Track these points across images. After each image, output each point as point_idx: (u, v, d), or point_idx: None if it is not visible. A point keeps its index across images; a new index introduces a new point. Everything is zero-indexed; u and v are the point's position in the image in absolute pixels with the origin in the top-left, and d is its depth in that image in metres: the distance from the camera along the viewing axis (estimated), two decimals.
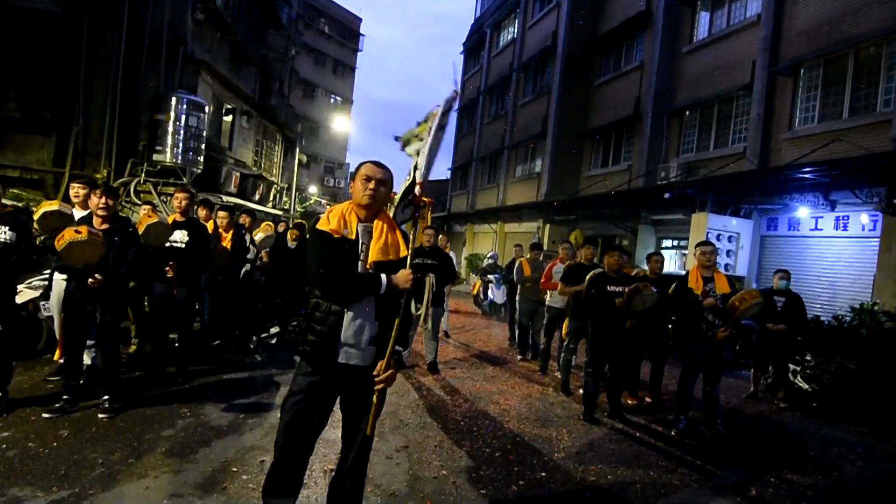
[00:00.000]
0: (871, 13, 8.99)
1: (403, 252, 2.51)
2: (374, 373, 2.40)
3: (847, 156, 8.13)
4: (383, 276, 2.38)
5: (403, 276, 2.39)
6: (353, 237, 2.45)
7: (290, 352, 6.29)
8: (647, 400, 6.17)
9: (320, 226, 2.45)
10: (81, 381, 4.42)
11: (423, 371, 6.63)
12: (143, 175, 10.03)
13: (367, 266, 2.43)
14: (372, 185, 2.47)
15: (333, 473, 2.64)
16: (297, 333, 2.61)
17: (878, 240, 8.27)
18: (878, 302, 7.44)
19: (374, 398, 2.45)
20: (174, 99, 10.30)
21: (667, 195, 10.56)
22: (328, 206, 2.86)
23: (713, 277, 5.14)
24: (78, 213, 4.60)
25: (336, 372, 2.43)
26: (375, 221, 2.51)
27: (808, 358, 6.79)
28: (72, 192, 4.84)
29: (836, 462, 4.76)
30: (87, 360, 4.63)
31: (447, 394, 5.81)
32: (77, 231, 3.73)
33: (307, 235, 2.61)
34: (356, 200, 2.51)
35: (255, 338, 6.79)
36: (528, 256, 8.20)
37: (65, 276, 4.16)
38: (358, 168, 2.57)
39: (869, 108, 9.02)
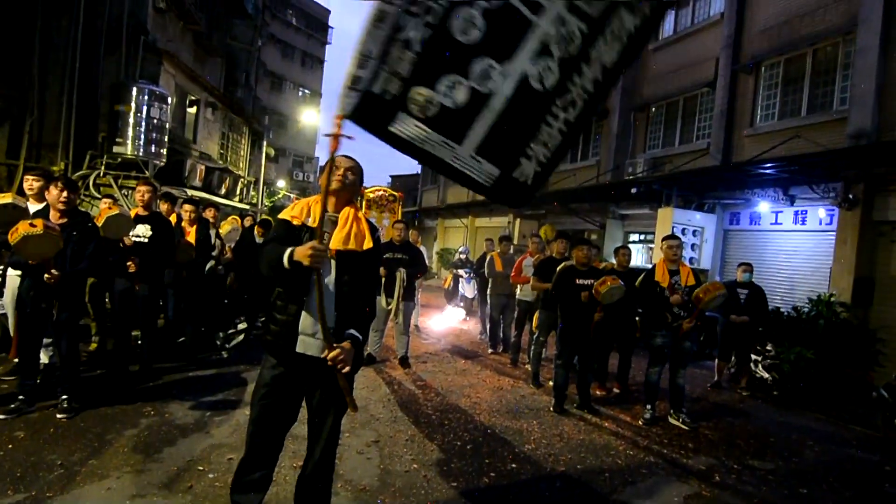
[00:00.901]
0: (828, 13, 9.27)
1: (368, 244, 2.45)
2: (323, 355, 2.30)
3: (805, 152, 8.39)
4: (288, 248, 2.24)
5: (302, 251, 2.18)
6: (315, 225, 2.37)
7: (257, 348, 6.18)
8: (616, 391, 6.29)
9: (283, 214, 2.47)
10: (38, 381, 4.25)
11: (394, 365, 6.61)
12: (102, 168, 9.69)
13: (329, 255, 2.37)
14: (340, 171, 2.44)
15: (300, 470, 2.60)
16: (262, 326, 2.47)
17: (834, 233, 8.57)
18: (835, 293, 7.73)
19: (339, 380, 2.36)
20: (135, 89, 9.97)
21: (633, 190, 10.72)
22: (296, 200, 2.71)
23: (679, 270, 5.25)
24: (33, 207, 4.41)
25: (297, 363, 2.39)
26: (343, 210, 2.48)
27: (769, 348, 7.01)
28: (26, 185, 4.64)
29: (796, 448, 4.93)
30: (44, 358, 4.46)
31: (418, 388, 5.80)
32: (32, 224, 3.56)
33: None
34: (325, 186, 2.37)
35: (221, 334, 6.66)
36: (498, 250, 8.24)
37: (19, 272, 3.99)
38: (327, 162, 2.49)
39: (826, 105, 9.32)
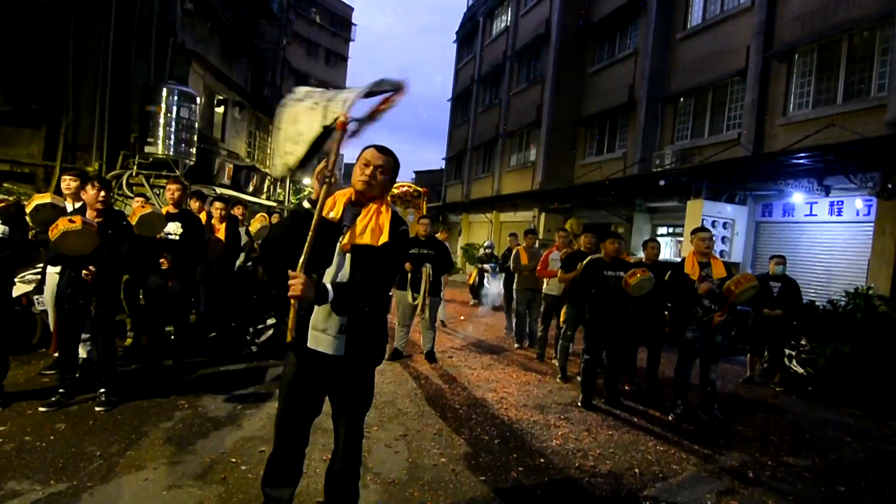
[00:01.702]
0: None
1: (384, 239, 2.32)
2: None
3: (841, 141, 8.14)
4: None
5: (297, 284, 2.10)
6: (338, 219, 2.32)
7: (286, 343, 6.27)
8: (644, 386, 6.20)
9: (307, 204, 2.32)
10: (77, 375, 4.39)
11: (421, 360, 6.64)
12: (135, 167, 9.92)
13: (343, 247, 2.30)
14: (369, 170, 2.33)
15: (329, 463, 2.63)
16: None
17: (872, 224, 8.30)
18: (873, 286, 7.48)
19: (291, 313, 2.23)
20: (165, 90, 10.17)
21: (661, 183, 10.54)
22: None
23: (710, 263, 5.15)
24: (70, 207, 4.55)
25: (312, 359, 2.35)
26: (369, 205, 2.38)
27: (803, 342, 6.83)
28: (63, 185, 4.79)
29: (832, 444, 4.80)
30: (82, 353, 4.60)
31: (445, 382, 5.81)
32: (71, 220, 3.69)
33: None
34: (353, 183, 2.39)
35: (251, 329, 6.77)
36: (524, 244, 8.20)
37: (58, 270, 4.12)
38: (361, 152, 2.43)
39: (863, 92, 9.02)
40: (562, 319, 6.58)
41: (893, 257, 7.82)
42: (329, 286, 2.17)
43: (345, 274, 2.29)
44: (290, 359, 2.46)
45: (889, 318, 6.98)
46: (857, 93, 9.11)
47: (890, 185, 7.82)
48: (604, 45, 16.65)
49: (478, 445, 4.08)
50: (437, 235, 10.22)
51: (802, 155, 8.08)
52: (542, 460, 3.90)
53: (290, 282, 2.10)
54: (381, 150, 2.39)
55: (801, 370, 6.72)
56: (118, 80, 10.00)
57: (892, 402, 6.08)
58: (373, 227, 2.31)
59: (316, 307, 2.29)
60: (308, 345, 2.32)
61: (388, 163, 2.38)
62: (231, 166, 13.44)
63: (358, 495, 2.62)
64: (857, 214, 8.72)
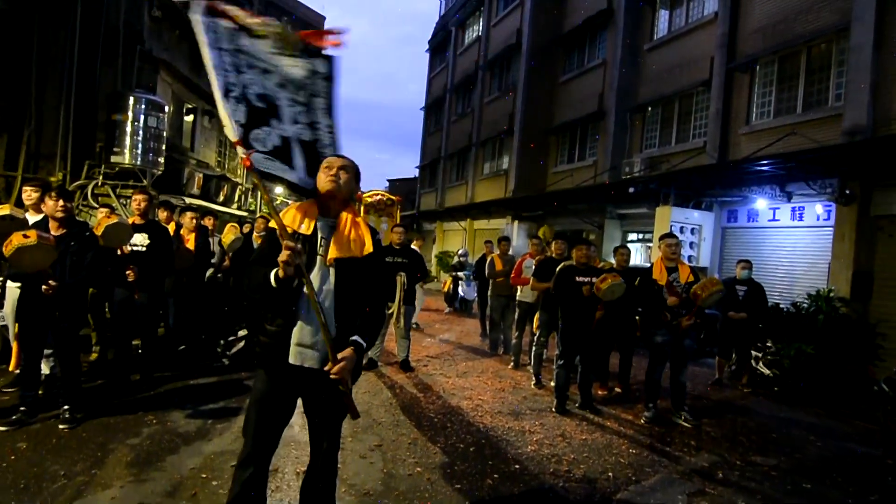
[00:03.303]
0: (822, 11, 9.31)
1: (368, 249, 2.36)
2: (326, 368, 2.21)
3: (801, 149, 8.42)
4: (273, 269, 2.16)
5: (280, 260, 2.13)
6: (310, 232, 2.29)
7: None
8: (617, 390, 6.29)
9: (272, 224, 2.29)
10: (40, 392, 4.25)
11: (396, 369, 6.61)
12: (100, 177, 9.67)
13: (327, 263, 2.30)
14: (333, 171, 2.33)
15: (304, 476, 2.57)
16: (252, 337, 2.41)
17: (832, 229, 8.59)
18: (834, 288, 7.73)
19: (341, 386, 2.26)
20: (132, 98, 9.97)
21: (631, 190, 10.74)
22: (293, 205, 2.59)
23: (677, 268, 5.27)
24: (32, 218, 4.42)
25: (290, 375, 2.28)
26: (341, 215, 2.38)
27: (769, 344, 7.02)
28: (24, 196, 4.65)
29: (798, 443, 4.94)
30: (45, 369, 4.47)
31: (420, 391, 5.80)
32: (25, 235, 3.55)
33: None
34: (320, 189, 2.35)
35: (221, 341, 6.66)
36: (498, 252, 8.26)
37: (18, 284, 4.00)
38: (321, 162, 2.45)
39: (821, 102, 9.35)
40: (535, 326, 6.64)
41: (852, 260, 8.11)
42: (360, 341, 2.31)
43: (330, 285, 2.30)
44: (259, 376, 2.39)
45: (849, 319, 7.22)
46: (816, 103, 9.44)
47: (848, 191, 8.12)
48: (574, 55, 16.93)
49: (453, 454, 4.08)
50: (413, 244, 10.26)
51: (765, 162, 8.33)
52: (517, 466, 3.92)
53: (336, 369, 2.20)
54: (339, 155, 2.47)
55: (767, 371, 6.90)
56: (83, 88, 9.77)
57: (854, 401, 6.29)
58: (354, 239, 2.35)
59: (302, 323, 2.26)
60: (291, 361, 2.26)
61: (349, 162, 2.41)
62: (201, 176, 13.22)
63: None
64: (818, 219, 9.02)
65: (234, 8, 2.43)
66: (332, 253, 2.30)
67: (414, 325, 9.81)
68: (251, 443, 2.33)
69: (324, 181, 2.33)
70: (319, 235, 2.32)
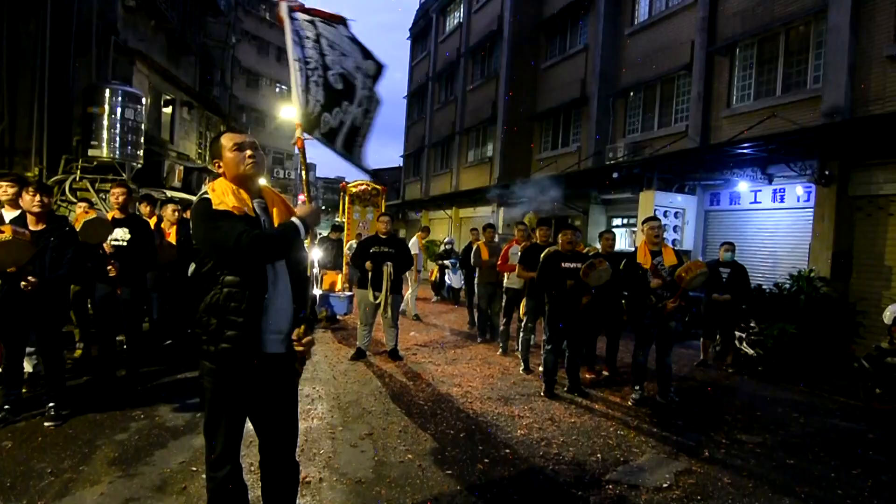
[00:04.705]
0: None
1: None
2: (294, 337, 2.27)
3: (781, 130, 8.51)
4: (294, 218, 2.19)
5: (305, 211, 2.23)
6: (254, 215, 2.22)
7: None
8: (605, 373, 6.35)
9: (219, 206, 2.12)
10: (24, 390, 4.20)
11: (385, 358, 6.61)
12: (78, 172, 9.49)
13: None
14: (249, 151, 2.24)
15: (263, 469, 2.42)
16: (198, 338, 2.23)
17: (812, 210, 8.72)
18: (815, 269, 7.87)
19: (297, 365, 2.36)
20: (108, 91, 9.77)
21: (615, 175, 10.78)
22: (211, 187, 2.27)
23: (661, 252, 5.31)
24: (8, 214, 4.31)
25: (258, 365, 2.20)
26: (265, 192, 2.36)
27: (752, 325, 7.13)
28: (0, 192, 4.54)
29: (782, 420, 5.04)
30: (28, 367, 4.41)
31: (409, 379, 5.81)
32: (0, 231, 3.49)
33: (192, 218, 2.22)
34: (238, 174, 2.24)
35: None
36: (483, 239, 8.26)
37: None
38: (217, 142, 2.30)
39: (800, 84, 9.44)
40: (522, 312, 6.67)
41: (832, 241, 8.24)
42: (309, 316, 2.39)
43: (282, 264, 2.27)
44: (219, 371, 2.21)
45: (830, 298, 7.36)
46: (795, 85, 9.53)
47: (827, 172, 8.23)
48: (555, 40, 16.88)
49: (444, 440, 4.10)
50: (418, 235, 10.27)
51: (746, 145, 8.40)
52: (507, 451, 3.96)
53: (306, 341, 2.34)
54: (235, 129, 2.50)
55: (750, 351, 7.01)
56: (57, 81, 9.54)
57: (835, 378, 6.43)
58: (287, 210, 2.36)
59: (271, 308, 2.20)
60: (267, 350, 2.20)
61: (253, 139, 2.38)
62: (181, 168, 13.04)
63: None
64: (798, 201, 9.14)
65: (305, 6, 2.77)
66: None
67: (414, 317, 9.84)
68: (222, 442, 2.23)
69: (247, 164, 2.24)
70: (259, 217, 2.25)
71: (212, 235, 2.11)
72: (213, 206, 2.12)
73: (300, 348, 2.27)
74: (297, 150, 2.62)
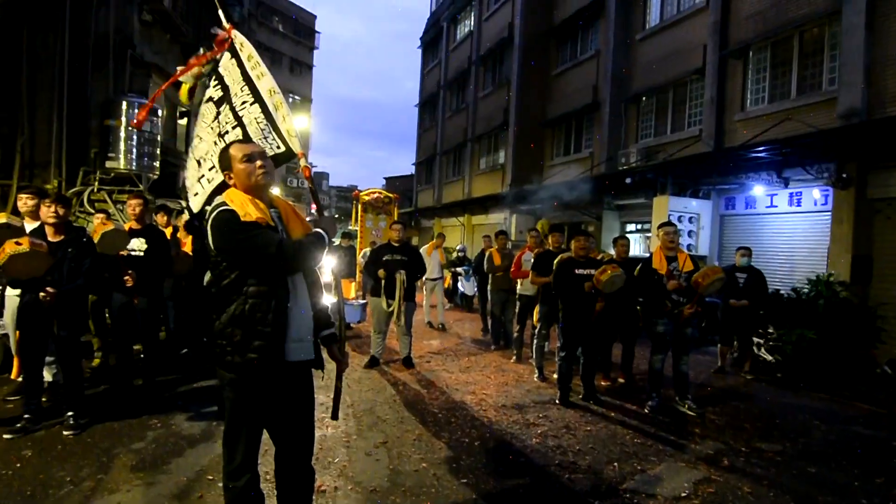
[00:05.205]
0: None
1: (309, 228, 2.38)
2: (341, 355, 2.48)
3: (797, 134, 8.42)
4: (317, 228, 2.31)
5: (320, 221, 2.38)
6: (273, 224, 2.24)
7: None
8: (620, 381, 6.30)
9: (245, 218, 2.12)
10: (44, 400, 4.25)
11: (399, 366, 6.61)
12: (96, 183, 9.64)
13: None
14: (259, 161, 2.25)
15: (279, 477, 2.42)
16: (222, 349, 2.18)
17: (830, 213, 8.59)
18: (833, 273, 7.75)
19: (336, 382, 2.60)
20: (125, 103, 9.93)
21: (628, 180, 10.73)
22: (230, 200, 2.23)
23: (676, 257, 5.26)
24: (29, 226, 4.41)
25: (282, 374, 2.21)
26: (276, 201, 2.40)
27: (770, 330, 7.03)
28: (20, 204, 4.63)
29: (802, 428, 4.95)
30: (47, 376, 4.46)
31: (423, 387, 5.80)
32: (17, 243, 3.56)
33: (215, 231, 2.15)
34: (250, 185, 2.24)
35: None
36: (496, 246, 8.25)
37: (17, 292, 3.98)
38: (227, 153, 2.31)
39: (815, 86, 9.34)
40: (535, 319, 6.64)
41: (851, 244, 8.11)
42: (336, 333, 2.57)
43: (300, 274, 2.34)
44: (239, 381, 2.19)
45: (850, 303, 7.23)
46: (810, 87, 9.43)
47: (844, 175, 8.11)
48: (566, 46, 16.89)
49: (458, 448, 4.08)
50: (433, 242, 10.25)
51: (761, 149, 8.33)
52: (522, 459, 3.93)
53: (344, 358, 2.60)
54: (244, 141, 2.46)
55: (769, 357, 6.91)
56: (75, 94, 9.72)
57: (857, 384, 6.30)
58: (303, 223, 2.41)
59: (293, 315, 2.22)
60: (290, 358, 2.21)
61: (260, 147, 2.40)
62: None
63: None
64: (816, 204, 9.02)
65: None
66: (297, 237, 2.31)
67: (440, 326, 9.80)
68: (242, 451, 2.23)
69: (258, 174, 2.25)
70: (278, 227, 2.28)
71: (249, 244, 2.10)
72: (241, 218, 2.12)
73: (340, 359, 2.52)
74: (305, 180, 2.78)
